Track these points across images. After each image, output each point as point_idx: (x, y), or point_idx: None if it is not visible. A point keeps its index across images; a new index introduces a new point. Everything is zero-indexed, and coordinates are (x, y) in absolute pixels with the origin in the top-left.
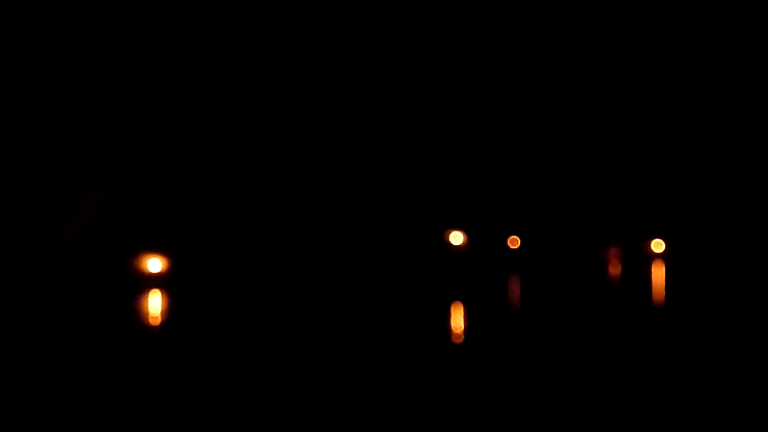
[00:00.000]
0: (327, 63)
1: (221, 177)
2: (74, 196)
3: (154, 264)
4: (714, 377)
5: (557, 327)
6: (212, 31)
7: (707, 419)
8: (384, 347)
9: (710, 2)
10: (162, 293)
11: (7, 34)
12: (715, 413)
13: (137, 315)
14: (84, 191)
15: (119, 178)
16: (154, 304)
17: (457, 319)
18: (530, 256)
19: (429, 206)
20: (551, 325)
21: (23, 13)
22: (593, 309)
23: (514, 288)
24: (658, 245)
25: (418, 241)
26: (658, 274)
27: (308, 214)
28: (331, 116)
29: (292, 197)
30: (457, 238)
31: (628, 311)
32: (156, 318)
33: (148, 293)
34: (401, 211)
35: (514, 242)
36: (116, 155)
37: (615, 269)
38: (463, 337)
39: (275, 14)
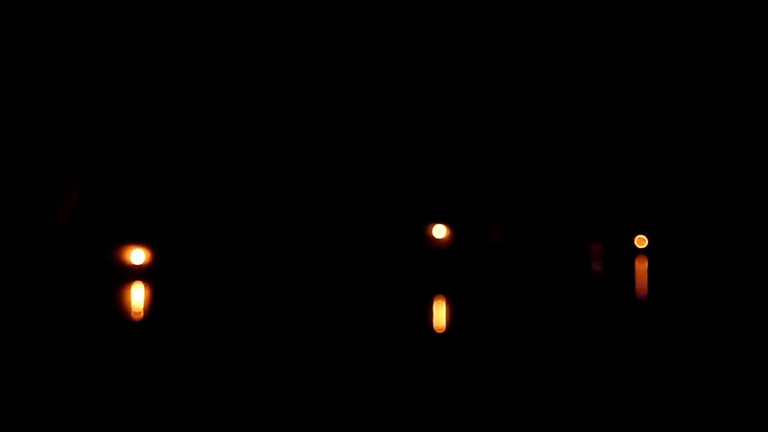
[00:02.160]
0: (306, 54)
1: (206, 167)
2: (55, 186)
3: (138, 256)
4: (698, 372)
5: (541, 322)
6: (192, 22)
7: (692, 413)
8: (365, 341)
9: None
10: (145, 286)
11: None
12: (699, 406)
13: (120, 308)
14: (65, 182)
15: (101, 168)
16: (138, 297)
17: (440, 313)
18: (513, 250)
19: (411, 199)
20: (534, 320)
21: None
22: (576, 304)
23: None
24: (641, 241)
25: (400, 234)
26: (641, 269)
27: (290, 205)
28: (312, 109)
29: (274, 188)
30: (440, 231)
31: (611, 306)
32: (139, 311)
33: (131, 286)
34: (383, 203)
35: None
36: (98, 145)
37: (598, 264)
38: (445, 331)
39: (255, 9)
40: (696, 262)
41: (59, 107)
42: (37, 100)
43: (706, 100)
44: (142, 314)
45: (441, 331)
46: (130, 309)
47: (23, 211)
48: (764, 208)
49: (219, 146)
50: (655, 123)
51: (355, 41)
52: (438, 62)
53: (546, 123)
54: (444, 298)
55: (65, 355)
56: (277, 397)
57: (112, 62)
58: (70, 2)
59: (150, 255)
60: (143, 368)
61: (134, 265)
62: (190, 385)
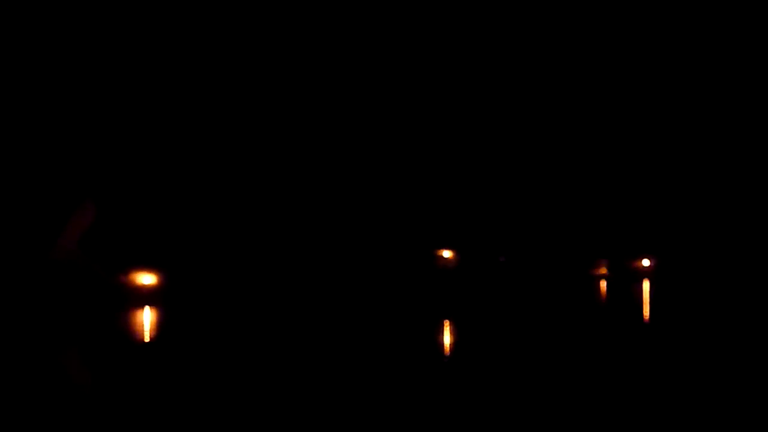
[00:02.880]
0: (308, 85)
1: (214, 192)
2: (64, 209)
3: (146, 279)
4: (702, 393)
5: (545, 343)
6: (204, 43)
7: None
8: (372, 363)
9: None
10: (153, 309)
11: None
12: (703, 428)
13: (128, 330)
14: (74, 204)
15: (111, 192)
16: (146, 319)
17: (446, 336)
18: (518, 273)
19: (419, 223)
20: (539, 342)
21: (16, 13)
22: (581, 325)
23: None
24: (644, 262)
25: (407, 257)
26: (645, 290)
27: (298, 229)
28: (320, 130)
29: (282, 211)
30: (446, 255)
31: (615, 328)
32: (147, 334)
33: (139, 309)
34: (391, 227)
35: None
36: (108, 168)
37: (602, 285)
38: (451, 354)
39: (265, 15)
40: (702, 283)
41: (70, 130)
42: (49, 122)
43: (713, 123)
44: (150, 337)
45: (447, 354)
46: (139, 332)
47: (32, 234)
48: None
49: (228, 172)
50: (661, 146)
51: (368, 64)
52: (447, 86)
53: (552, 145)
54: (450, 321)
55: (74, 378)
56: (285, 419)
57: (125, 85)
58: (94, 20)
59: (159, 278)
60: (152, 391)
61: (143, 287)
62: (199, 407)
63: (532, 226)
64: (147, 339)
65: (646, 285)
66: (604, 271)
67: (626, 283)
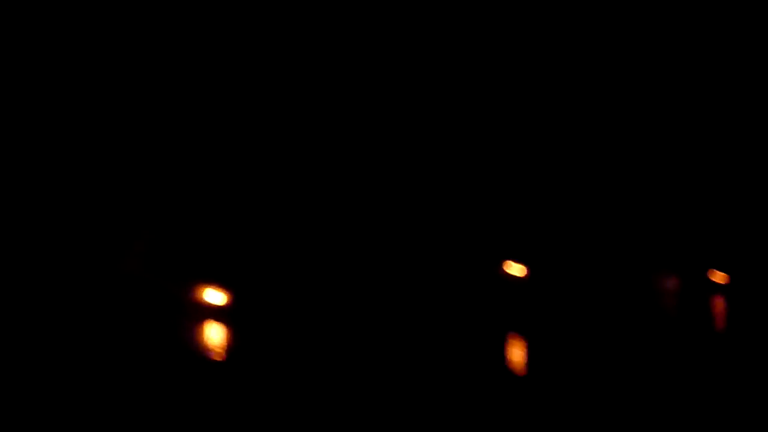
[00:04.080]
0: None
1: (285, 211)
2: (134, 223)
3: (215, 296)
4: None
5: (617, 361)
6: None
7: None
8: (440, 380)
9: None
10: (223, 326)
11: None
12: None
13: (197, 348)
14: (143, 220)
15: (179, 209)
16: (215, 336)
17: (517, 353)
18: (585, 287)
19: (486, 235)
20: (610, 360)
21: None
22: (652, 344)
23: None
24: (719, 276)
25: (475, 271)
26: (719, 306)
27: (365, 245)
28: (372, 143)
29: (349, 228)
30: (515, 269)
31: (686, 346)
32: (218, 351)
33: (208, 325)
34: (458, 240)
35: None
36: (178, 185)
37: (672, 300)
38: (524, 371)
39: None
40: None
41: (143, 145)
42: (103, 136)
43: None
44: (222, 354)
45: (519, 371)
46: (211, 349)
47: (102, 247)
48: None
49: (294, 192)
50: (730, 150)
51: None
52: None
53: (624, 155)
54: (521, 338)
55: (141, 394)
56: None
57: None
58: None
59: (228, 295)
60: (222, 408)
61: (212, 305)
62: (268, 423)
63: (602, 237)
64: (215, 356)
65: (720, 299)
66: (675, 284)
67: (700, 297)
